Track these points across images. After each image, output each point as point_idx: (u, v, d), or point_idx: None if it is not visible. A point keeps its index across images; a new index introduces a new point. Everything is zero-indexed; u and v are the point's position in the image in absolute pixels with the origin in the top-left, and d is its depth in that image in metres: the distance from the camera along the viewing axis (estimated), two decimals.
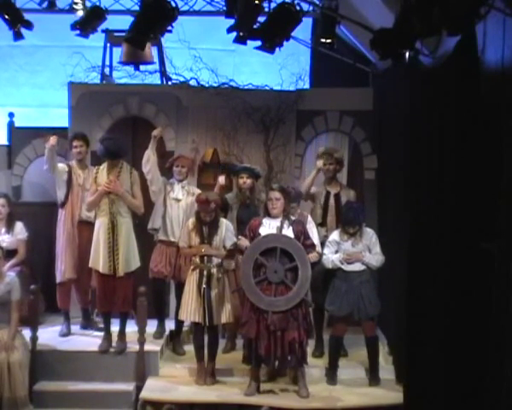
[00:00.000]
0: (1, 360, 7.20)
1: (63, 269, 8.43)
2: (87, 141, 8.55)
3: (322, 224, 8.35)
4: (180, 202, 8.26)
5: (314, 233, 7.81)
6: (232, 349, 8.32)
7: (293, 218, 7.44)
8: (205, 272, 7.55)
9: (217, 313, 7.55)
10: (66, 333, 8.45)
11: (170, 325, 8.54)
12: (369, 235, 7.77)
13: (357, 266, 7.68)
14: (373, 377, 7.71)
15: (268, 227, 7.29)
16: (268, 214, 7.35)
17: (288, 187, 7.86)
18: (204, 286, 7.52)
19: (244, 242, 7.34)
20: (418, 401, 6.40)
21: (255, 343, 7.16)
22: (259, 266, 7.19)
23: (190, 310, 7.56)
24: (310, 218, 8.07)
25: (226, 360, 8.05)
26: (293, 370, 7.48)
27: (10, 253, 8.44)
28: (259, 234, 7.27)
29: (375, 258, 7.70)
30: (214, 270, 7.58)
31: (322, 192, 8.49)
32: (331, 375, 7.73)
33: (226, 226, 7.66)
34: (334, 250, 7.71)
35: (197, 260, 7.59)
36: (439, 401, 5.94)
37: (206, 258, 7.57)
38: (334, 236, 7.82)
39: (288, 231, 7.26)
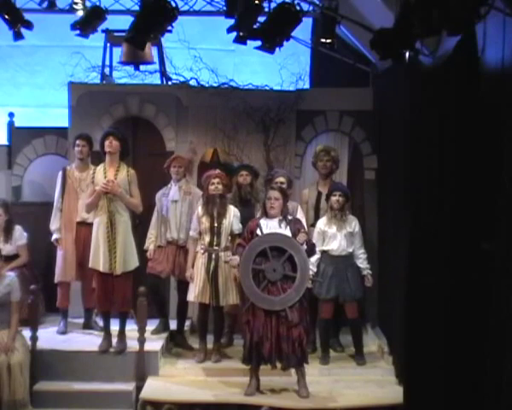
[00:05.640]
0: (1, 362, 7.19)
1: (59, 271, 8.46)
2: (91, 142, 8.55)
3: (314, 224, 8.38)
4: (177, 202, 8.36)
5: (303, 222, 7.93)
6: (229, 345, 8.41)
7: (289, 217, 7.46)
8: (213, 256, 7.86)
9: (223, 295, 7.87)
10: (64, 331, 8.47)
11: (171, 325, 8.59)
12: (353, 223, 8.17)
13: (344, 251, 8.09)
14: (359, 358, 8.10)
15: (266, 228, 7.30)
16: (266, 215, 7.37)
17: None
18: (212, 269, 7.82)
19: (235, 260, 7.46)
20: (418, 401, 6.39)
21: (259, 345, 7.15)
22: (257, 272, 7.20)
23: (198, 291, 7.87)
24: (299, 209, 8.31)
25: (225, 359, 8.07)
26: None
27: (11, 258, 8.45)
28: (257, 235, 7.28)
29: (365, 262, 8.18)
30: (222, 253, 7.86)
31: (314, 193, 8.58)
32: (323, 356, 8.05)
33: (234, 212, 7.98)
34: (321, 241, 8.07)
35: (206, 244, 7.89)
36: (439, 401, 5.94)
37: (214, 242, 7.87)
38: (321, 224, 8.17)
39: (286, 231, 7.27)
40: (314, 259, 7.88)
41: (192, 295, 7.98)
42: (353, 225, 8.15)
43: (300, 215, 8.16)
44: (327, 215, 8.18)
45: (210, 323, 8.21)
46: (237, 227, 7.93)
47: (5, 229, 8.62)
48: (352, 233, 8.11)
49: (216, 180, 7.92)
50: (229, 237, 7.95)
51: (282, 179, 8.17)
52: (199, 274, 7.91)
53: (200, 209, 8.03)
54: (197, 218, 8.02)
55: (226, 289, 7.90)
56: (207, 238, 7.92)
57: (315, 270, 8.03)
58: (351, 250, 8.12)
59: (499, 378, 4.78)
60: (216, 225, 7.89)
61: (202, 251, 7.93)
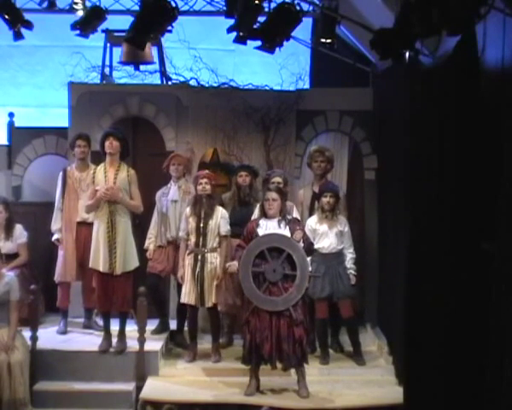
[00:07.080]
0: (1, 361, 7.20)
1: (60, 271, 8.46)
2: (90, 142, 8.56)
3: None
4: (177, 202, 8.37)
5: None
6: (229, 345, 8.41)
7: (289, 217, 7.46)
8: (199, 257, 7.86)
9: (208, 296, 7.85)
10: (64, 331, 8.48)
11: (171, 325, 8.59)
12: (343, 223, 8.21)
13: (334, 249, 8.12)
14: (358, 358, 8.09)
15: (265, 228, 7.30)
16: (265, 215, 7.37)
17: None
18: (198, 270, 7.82)
19: (234, 266, 7.41)
20: (418, 401, 6.39)
21: (259, 345, 7.14)
22: (257, 274, 7.20)
23: (185, 292, 7.90)
24: (295, 209, 8.29)
25: (225, 359, 8.06)
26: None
27: (11, 256, 8.46)
28: (256, 237, 7.28)
29: (351, 262, 8.17)
30: (208, 255, 7.85)
31: (309, 193, 8.59)
32: (323, 356, 8.05)
33: (221, 213, 7.95)
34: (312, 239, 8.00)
35: (192, 244, 7.87)
36: (439, 401, 5.94)
37: (200, 243, 7.86)
38: (312, 222, 8.19)
39: (285, 231, 7.27)
40: (309, 258, 7.86)
41: (181, 296, 7.98)
42: (343, 224, 8.19)
43: (296, 215, 8.15)
44: (317, 214, 8.21)
45: (208, 323, 8.22)
46: (225, 229, 7.91)
47: (5, 227, 8.62)
48: (342, 232, 8.15)
49: (204, 180, 7.90)
50: (217, 239, 7.92)
51: (278, 179, 8.14)
52: (186, 276, 7.92)
53: (188, 209, 8.03)
54: (185, 218, 8.01)
55: (211, 290, 7.87)
56: (193, 239, 7.90)
57: (311, 269, 8.02)
58: (341, 247, 8.14)
59: (499, 378, 4.78)
60: (202, 225, 7.86)
61: (188, 252, 7.92)
